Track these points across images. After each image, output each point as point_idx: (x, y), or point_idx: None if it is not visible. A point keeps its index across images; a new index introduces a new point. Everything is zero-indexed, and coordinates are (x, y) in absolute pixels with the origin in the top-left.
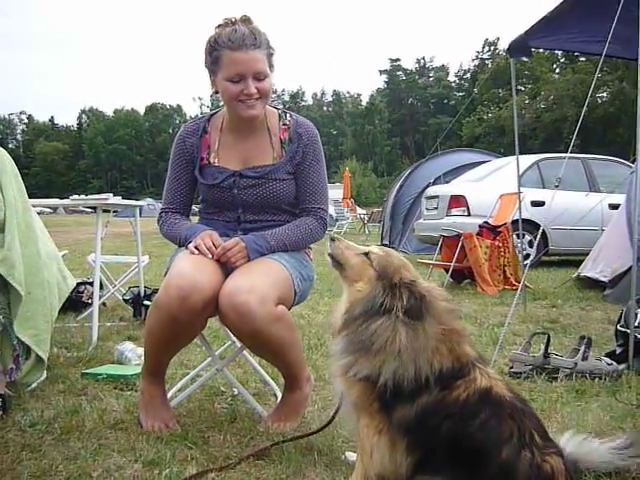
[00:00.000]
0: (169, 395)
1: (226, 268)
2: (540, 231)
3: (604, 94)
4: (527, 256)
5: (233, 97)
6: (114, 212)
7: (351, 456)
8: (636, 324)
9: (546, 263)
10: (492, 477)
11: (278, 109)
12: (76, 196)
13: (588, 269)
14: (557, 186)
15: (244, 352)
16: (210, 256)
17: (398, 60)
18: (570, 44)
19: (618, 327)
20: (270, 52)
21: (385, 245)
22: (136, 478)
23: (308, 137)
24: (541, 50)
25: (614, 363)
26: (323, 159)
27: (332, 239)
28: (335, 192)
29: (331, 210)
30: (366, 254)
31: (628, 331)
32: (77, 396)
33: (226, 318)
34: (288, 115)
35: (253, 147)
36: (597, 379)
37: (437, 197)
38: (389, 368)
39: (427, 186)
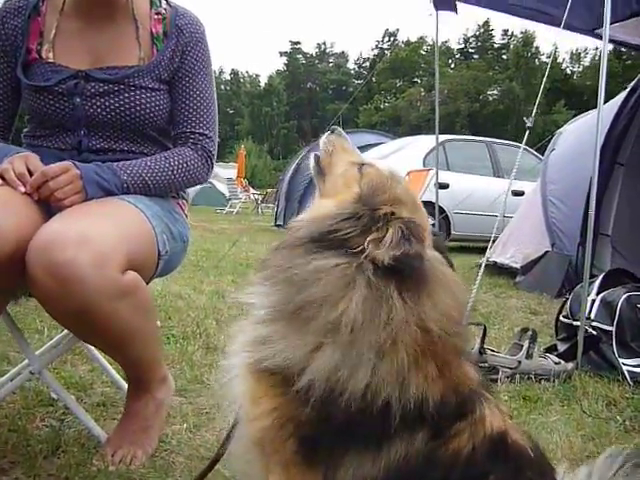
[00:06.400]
0: None
1: (50, 209)
2: (443, 215)
3: (495, 91)
4: None
5: None
6: None
7: None
8: (586, 315)
9: (449, 249)
10: None
11: None
12: None
13: (498, 254)
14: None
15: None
16: (22, 189)
17: (299, 43)
18: (500, 4)
19: (561, 318)
20: None
21: (278, 226)
22: None
23: (191, 32)
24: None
25: (562, 361)
26: (211, 66)
27: (332, 133)
28: (229, 171)
29: (224, 189)
30: (361, 166)
31: (574, 323)
32: None
33: (36, 285)
34: (164, 2)
35: (109, 40)
36: (543, 381)
37: None
38: (327, 358)
39: None
